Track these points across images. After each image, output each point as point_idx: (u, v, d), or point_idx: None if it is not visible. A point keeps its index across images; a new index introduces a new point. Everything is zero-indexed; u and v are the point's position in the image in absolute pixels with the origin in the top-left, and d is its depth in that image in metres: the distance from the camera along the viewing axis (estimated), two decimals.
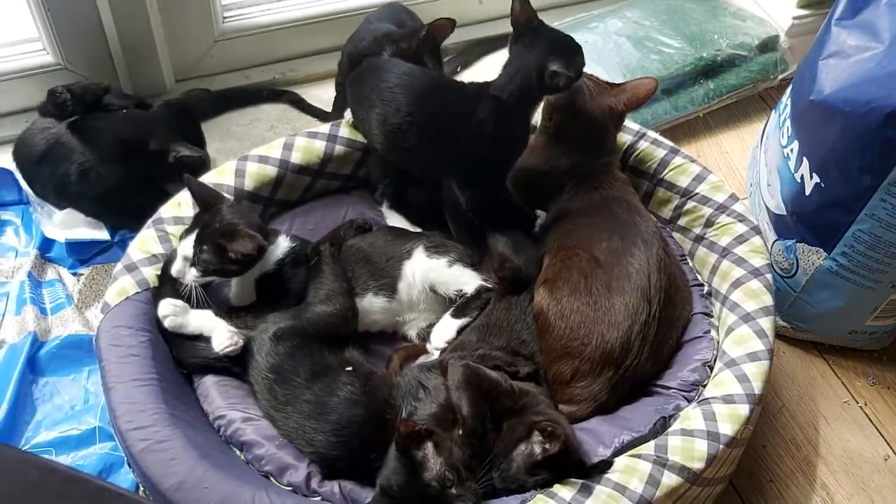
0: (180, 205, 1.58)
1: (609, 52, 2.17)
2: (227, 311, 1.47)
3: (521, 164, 1.66)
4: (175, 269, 1.44)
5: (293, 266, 1.51)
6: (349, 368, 1.39)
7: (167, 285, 1.48)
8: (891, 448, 1.67)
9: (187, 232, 1.45)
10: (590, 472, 1.26)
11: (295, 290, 1.50)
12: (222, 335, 1.41)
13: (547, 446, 1.24)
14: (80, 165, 1.73)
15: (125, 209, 1.77)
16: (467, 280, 1.54)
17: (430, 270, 1.54)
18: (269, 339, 1.40)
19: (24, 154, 1.80)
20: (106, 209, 1.80)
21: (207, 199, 1.49)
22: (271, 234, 1.53)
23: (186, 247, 1.43)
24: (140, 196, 1.75)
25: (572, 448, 1.27)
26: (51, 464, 0.71)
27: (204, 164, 1.78)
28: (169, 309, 1.44)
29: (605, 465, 1.27)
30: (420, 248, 1.56)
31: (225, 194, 1.60)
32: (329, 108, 2.05)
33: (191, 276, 1.43)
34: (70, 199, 1.78)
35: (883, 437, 1.69)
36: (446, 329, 1.51)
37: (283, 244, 1.52)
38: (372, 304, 1.53)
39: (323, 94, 2.15)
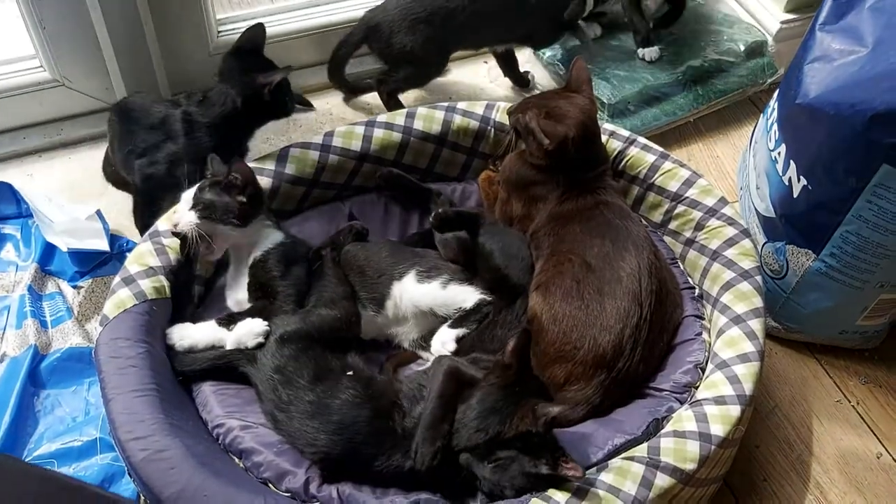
0: None
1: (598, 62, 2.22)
2: (226, 319, 1.49)
3: (516, 170, 1.69)
4: (173, 218, 1.49)
5: (279, 261, 1.54)
6: (350, 373, 1.42)
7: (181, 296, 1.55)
8: (883, 446, 1.69)
9: None
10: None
11: (281, 289, 1.52)
12: (259, 324, 1.45)
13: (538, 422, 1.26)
14: (172, 155, 1.72)
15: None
16: (466, 296, 1.55)
17: (425, 295, 1.55)
18: (274, 342, 1.43)
19: (138, 112, 1.77)
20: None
21: None
22: (273, 220, 1.60)
23: (188, 195, 1.50)
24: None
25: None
26: (49, 473, 0.73)
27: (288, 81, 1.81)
28: (176, 335, 1.48)
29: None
30: (412, 273, 1.57)
31: None
32: (322, 119, 2.08)
33: (188, 217, 1.48)
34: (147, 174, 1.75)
35: (875, 435, 1.70)
36: (445, 339, 1.53)
37: (276, 235, 1.57)
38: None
39: (317, 105, 2.19)
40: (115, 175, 1.90)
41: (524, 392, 1.31)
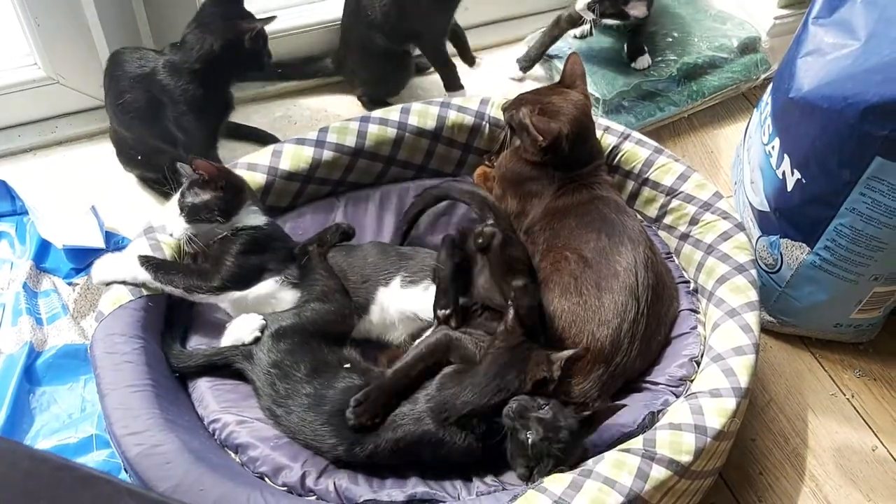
0: None
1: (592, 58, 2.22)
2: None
3: (511, 166, 1.69)
4: (168, 230, 1.51)
5: (244, 242, 1.51)
6: (347, 365, 1.43)
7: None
8: (878, 439, 1.69)
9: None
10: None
11: (229, 262, 1.49)
12: (255, 318, 1.45)
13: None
14: (176, 111, 1.77)
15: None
16: None
17: (408, 300, 1.55)
18: (269, 337, 1.43)
19: (124, 62, 1.80)
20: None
21: None
22: (256, 204, 1.58)
23: (173, 206, 1.51)
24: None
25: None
26: (41, 453, 0.72)
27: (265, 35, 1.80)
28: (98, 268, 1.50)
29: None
30: (398, 279, 1.56)
31: None
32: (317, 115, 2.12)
33: (180, 225, 1.50)
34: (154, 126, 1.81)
35: (870, 428, 1.71)
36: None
37: (257, 219, 1.55)
38: None
39: (312, 103, 2.19)
40: (130, 159, 1.93)
41: (533, 348, 1.33)
